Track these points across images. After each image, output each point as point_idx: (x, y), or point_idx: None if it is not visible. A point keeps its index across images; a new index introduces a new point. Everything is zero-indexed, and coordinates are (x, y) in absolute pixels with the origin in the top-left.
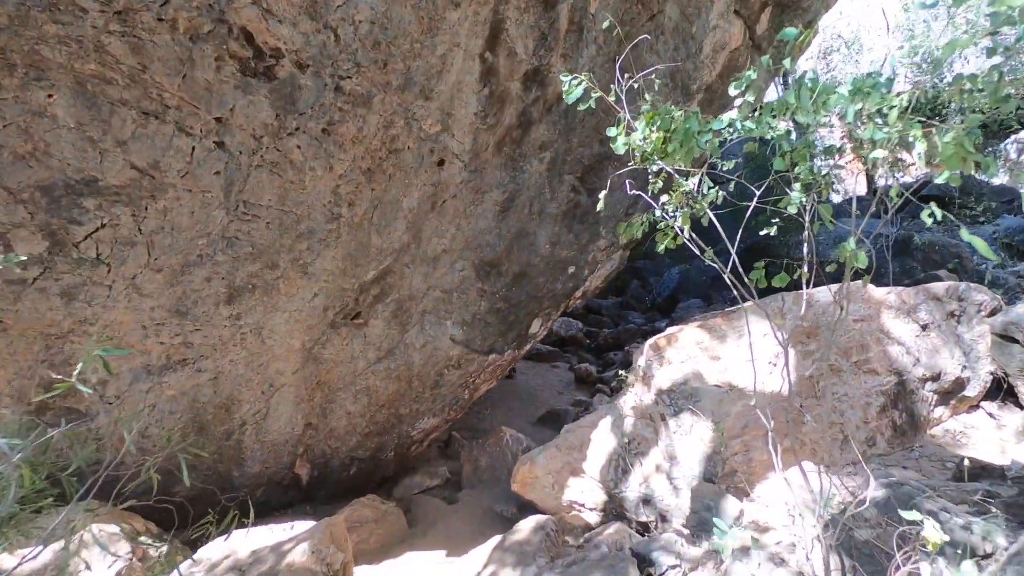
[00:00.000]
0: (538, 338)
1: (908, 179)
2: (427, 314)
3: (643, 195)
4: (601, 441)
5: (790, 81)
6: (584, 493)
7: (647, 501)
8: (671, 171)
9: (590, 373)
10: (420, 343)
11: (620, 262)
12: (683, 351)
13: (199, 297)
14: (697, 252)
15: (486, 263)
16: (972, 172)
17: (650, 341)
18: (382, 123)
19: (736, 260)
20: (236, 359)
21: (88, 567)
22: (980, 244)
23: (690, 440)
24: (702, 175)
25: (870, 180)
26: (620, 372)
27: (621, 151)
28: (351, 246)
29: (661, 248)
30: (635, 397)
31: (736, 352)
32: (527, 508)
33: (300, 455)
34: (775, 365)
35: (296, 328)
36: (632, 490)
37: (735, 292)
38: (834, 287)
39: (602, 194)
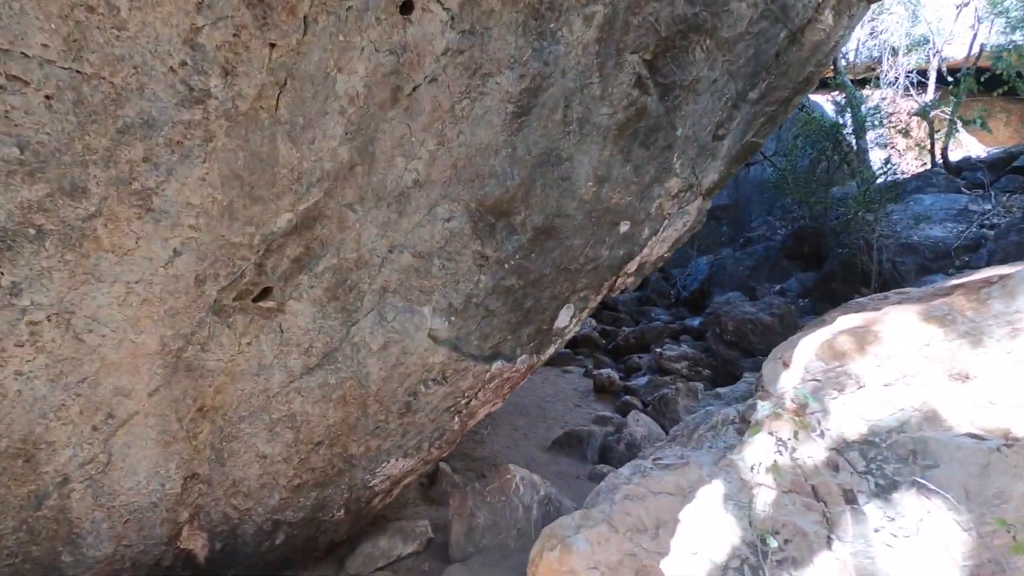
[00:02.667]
0: (567, 337)
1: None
2: (389, 294)
3: None
4: (700, 524)
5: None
6: None
7: None
8: None
9: (612, 380)
10: (378, 342)
11: (698, 217)
12: (891, 362)
13: None
14: None
15: (489, 207)
16: None
17: (815, 338)
18: None
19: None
20: (27, 371)
21: None
22: None
23: (915, 548)
24: None
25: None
26: (716, 401)
27: None
28: (238, 160)
29: None
30: (774, 448)
31: (1008, 365)
32: None
33: (186, 522)
34: None
35: (145, 314)
36: None
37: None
38: None
39: None
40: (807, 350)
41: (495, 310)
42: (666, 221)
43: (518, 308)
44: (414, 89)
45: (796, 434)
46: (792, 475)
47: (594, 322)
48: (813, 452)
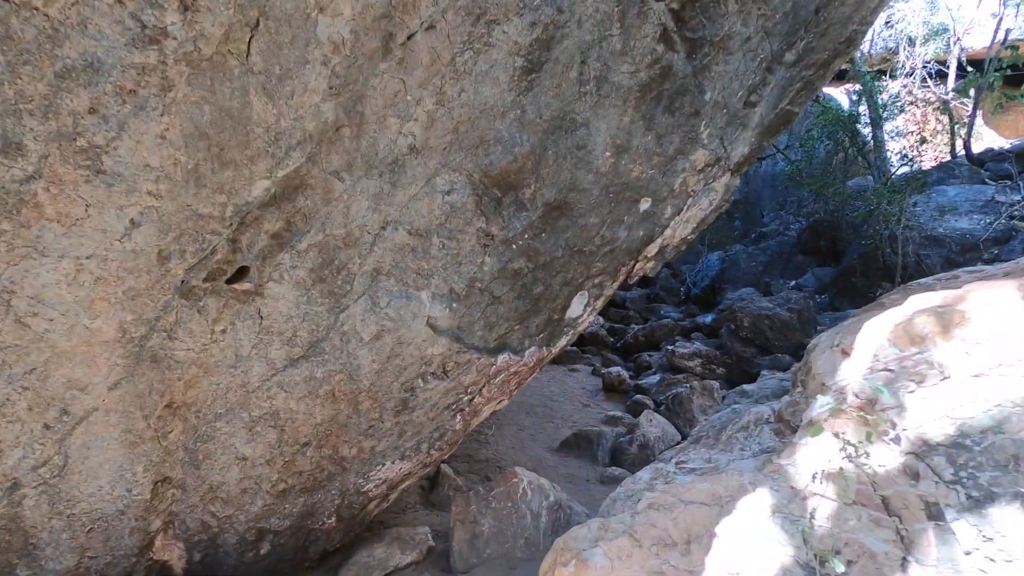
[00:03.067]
0: (579, 328)
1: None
2: (382, 277)
3: None
4: (741, 540)
5: None
6: None
7: None
8: None
9: (622, 379)
10: (371, 331)
11: (725, 196)
12: (983, 348)
13: None
14: None
15: (495, 179)
16: None
17: (885, 321)
18: None
19: None
20: None
21: None
22: None
23: (1018, 575)
24: None
25: (966, 146)
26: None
27: None
28: (203, 115)
29: None
30: (835, 453)
31: None
32: None
33: (159, 531)
34: None
35: (100, 296)
36: None
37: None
38: None
39: None
40: (875, 335)
41: (501, 297)
42: (690, 199)
43: (526, 295)
44: (408, 38)
45: (868, 436)
46: (857, 484)
47: (602, 320)
48: (885, 457)
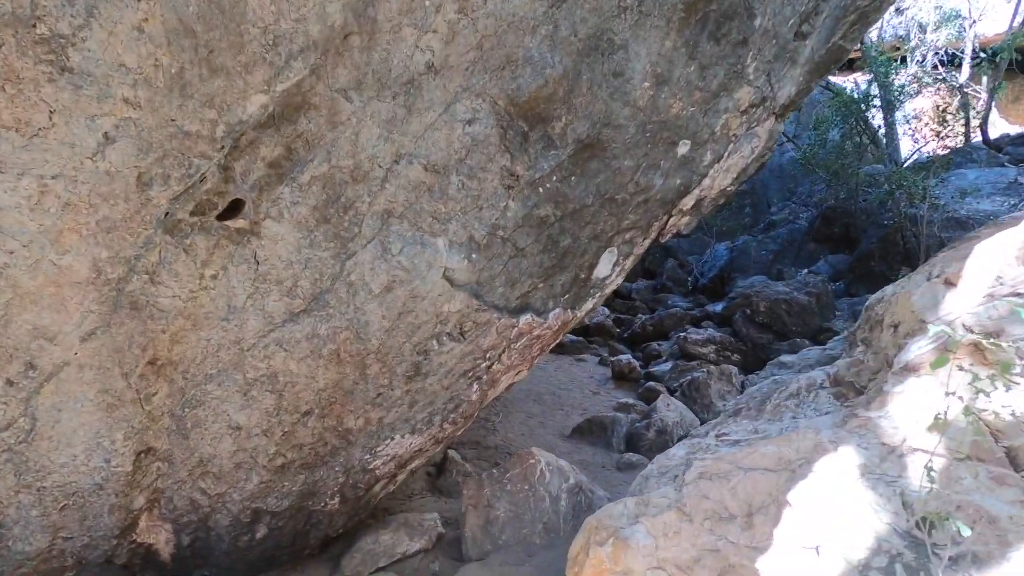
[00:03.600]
0: (606, 291)
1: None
2: (395, 220)
3: None
4: (819, 508)
5: None
6: None
7: None
8: None
9: (632, 367)
10: (381, 282)
11: (768, 143)
12: None
13: None
14: None
15: (522, 108)
16: None
17: (1004, 241)
18: None
19: None
20: None
21: None
22: None
23: None
24: None
25: (983, 131)
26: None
27: None
28: (188, 4)
29: None
30: (943, 399)
31: None
32: None
33: (143, 510)
34: None
35: (70, 225)
36: None
37: None
38: None
39: None
40: (992, 256)
41: (525, 249)
42: (731, 145)
43: (553, 247)
44: None
45: (990, 377)
46: (973, 435)
47: (607, 311)
48: (1012, 400)
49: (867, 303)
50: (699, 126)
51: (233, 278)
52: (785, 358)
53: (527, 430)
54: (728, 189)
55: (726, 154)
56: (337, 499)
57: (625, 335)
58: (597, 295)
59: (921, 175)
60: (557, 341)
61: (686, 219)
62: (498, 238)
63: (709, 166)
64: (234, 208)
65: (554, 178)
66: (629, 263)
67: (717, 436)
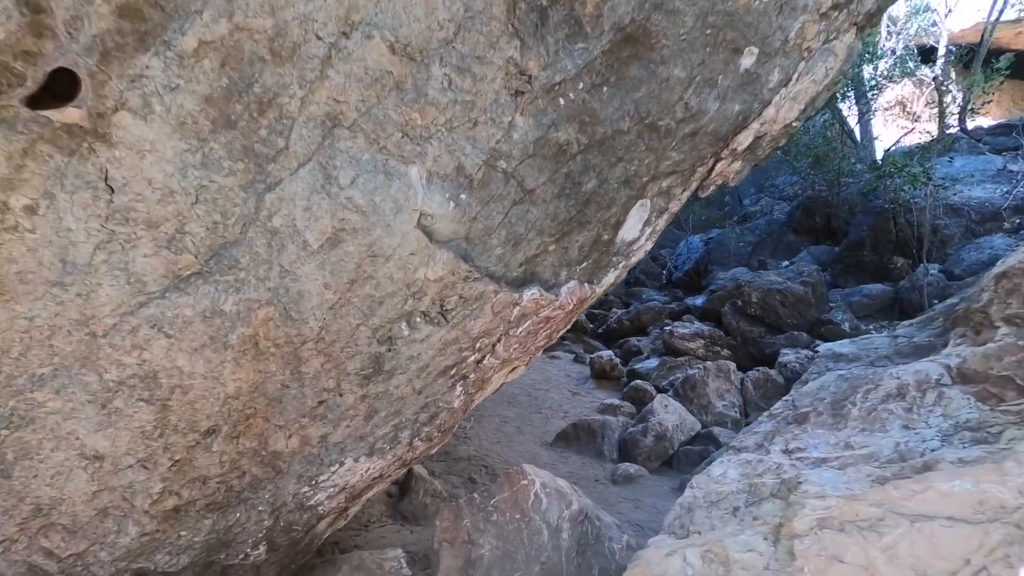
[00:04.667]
0: (632, 260)
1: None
2: (343, 130)
3: None
4: None
5: None
6: None
7: None
8: None
9: (615, 365)
10: (322, 230)
11: (844, 65)
12: None
13: None
14: None
15: None
16: None
17: None
18: None
19: None
20: None
21: None
22: None
23: None
24: None
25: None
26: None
27: None
28: None
29: None
30: None
31: None
32: None
33: None
34: None
35: None
36: None
37: None
38: None
39: None
40: None
41: (536, 190)
42: (803, 63)
43: (572, 191)
44: None
45: None
46: None
47: None
48: None
49: (998, 273)
50: (771, 28)
51: (67, 214)
52: (839, 349)
53: (503, 437)
54: (793, 125)
55: (796, 75)
56: (263, 547)
57: (599, 331)
58: (620, 265)
59: (917, 158)
60: (568, 327)
61: (737, 164)
62: (499, 172)
63: (775, 89)
64: (64, 90)
65: (580, 85)
66: (662, 223)
67: (787, 453)
